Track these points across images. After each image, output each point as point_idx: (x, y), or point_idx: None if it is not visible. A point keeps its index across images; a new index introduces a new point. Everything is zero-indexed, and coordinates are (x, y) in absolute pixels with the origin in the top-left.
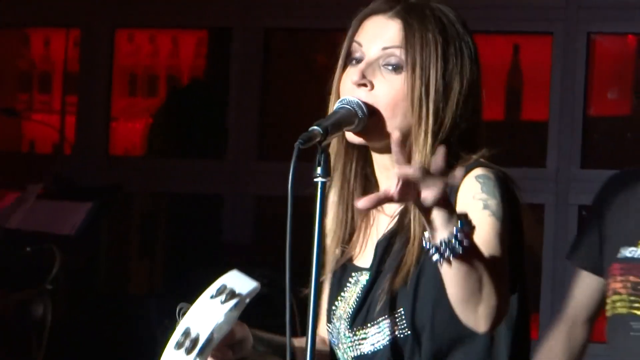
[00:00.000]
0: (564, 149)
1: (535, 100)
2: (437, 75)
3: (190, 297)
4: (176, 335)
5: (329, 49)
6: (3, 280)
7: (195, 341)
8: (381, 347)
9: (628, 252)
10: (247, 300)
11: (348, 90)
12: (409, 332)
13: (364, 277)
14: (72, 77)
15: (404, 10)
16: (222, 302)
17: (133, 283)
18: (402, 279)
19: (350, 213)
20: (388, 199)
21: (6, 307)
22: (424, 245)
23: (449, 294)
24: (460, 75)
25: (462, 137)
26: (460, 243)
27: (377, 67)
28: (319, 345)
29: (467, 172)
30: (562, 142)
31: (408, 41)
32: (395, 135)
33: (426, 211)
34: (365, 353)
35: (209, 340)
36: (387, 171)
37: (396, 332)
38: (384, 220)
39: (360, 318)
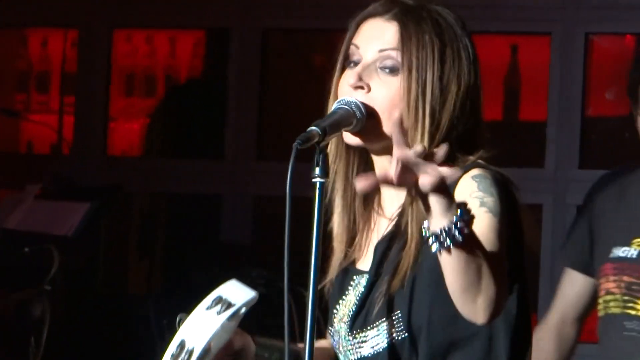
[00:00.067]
0: (562, 149)
1: (533, 100)
2: (433, 77)
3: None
4: (172, 348)
5: (327, 49)
6: (1, 280)
7: (190, 353)
8: (381, 349)
9: (621, 251)
10: (244, 310)
11: (345, 93)
12: (406, 334)
13: (363, 280)
14: (70, 78)
15: (401, 13)
16: (218, 313)
17: (132, 283)
18: (399, 281)
19: (352, 216)
20: (387, 181)
21: (5, 307)
22: (423, 234)
23: (448, 284)
24: (458, 77)
25: (459, 138)
26: (460, 231)
27: (374, 69)
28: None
29: (463, 172)
30: (560, 143)
31: (404, 43)
32: (395, 116)
33: (425, 198)
34: (365, 356)
35: (205, 351)
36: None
37: (394, 335)
38: (384, 223)
39: (359, 321)
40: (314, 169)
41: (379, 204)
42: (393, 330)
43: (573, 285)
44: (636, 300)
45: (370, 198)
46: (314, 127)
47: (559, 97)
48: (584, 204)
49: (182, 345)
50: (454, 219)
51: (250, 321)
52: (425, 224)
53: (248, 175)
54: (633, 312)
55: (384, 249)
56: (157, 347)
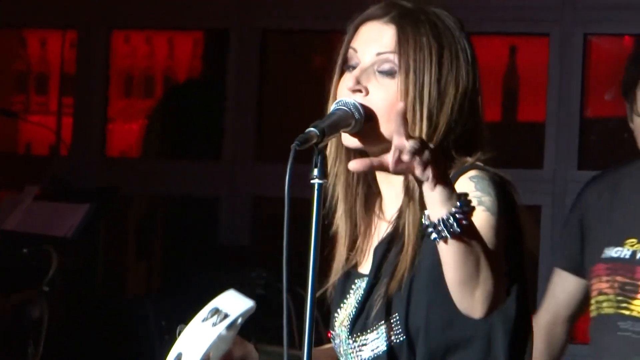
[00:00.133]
0: (561, 150)
1: (532, 101)
2: (431, 80)
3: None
4: None
5: (326, 50)
6: (0, 281)
7: None
8: (380, 352)
9: (614, 252)
10: (241, 320)
11: (344, 96)
12: (404, 337)
13: (364, 284)
14: (69, 79)
15: (399, 16)
16: (214, 325)
17: (130, 284)
18: (396, 283)
19: (353, 220)
20: (383, 167)
21: (3, 308)
22: (422, 223)
23: (446, 276)
24: (456, 79)
25: (458, 140)
26: (459, 222)
27: (371, 72)
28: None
29: (461, 174)
30: (559, 144)
31: (401, 46)
32: (400, 106)
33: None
34: (366, 359)
35: None
36: (387, 176)
37: (392, 338)
38: (384, 226)
39: (359, 324)
40: (312, 170)
41: (380, 208)
42: (391, 333)
43: (563, 286)
44: (630, 301)
45: (372, 202)
46: (312, 128)
47: (557, 98)
48: (574, 206)
49: (178, 358)
50: (453, 210)
51: (250, 323)
52: (426, 213)
53: (247, 177)
54: (627, 313)
55: (383, 252)
56: (155, 348)
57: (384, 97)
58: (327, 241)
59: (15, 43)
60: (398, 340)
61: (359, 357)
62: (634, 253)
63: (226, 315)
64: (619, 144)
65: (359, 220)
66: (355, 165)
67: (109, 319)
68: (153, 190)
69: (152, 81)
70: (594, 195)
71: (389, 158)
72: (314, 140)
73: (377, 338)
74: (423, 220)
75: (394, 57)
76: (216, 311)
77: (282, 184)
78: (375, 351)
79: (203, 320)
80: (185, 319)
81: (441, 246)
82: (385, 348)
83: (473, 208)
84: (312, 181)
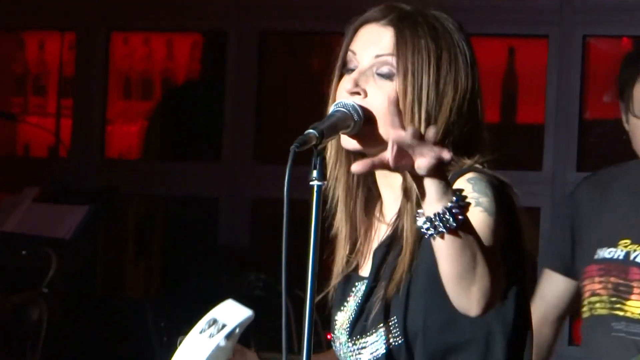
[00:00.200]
0: (560, 152)
1: (531, 103)
2: (429, 82)
3: (187, 300)
4: None
5: (325, 52)
6: None
7: None
8: (379, 355)
9: (607, 252)
10: (238, 330)
11: (343, 99)
12: (402, 340)
13: (364, 286)
14: (68, 80)
15: (397, 18)
16: (211, 336)
17: (129, 286)
18: (395, 286)
19: (354, 223)
20: (383, 165)
21: (2, 310)
22: (417, 219)
23: (441, 273)
24: (455, 82)
25: (456, 142)
26: (454, 217)
27: (370, 75)
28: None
29: (459, 176)
30: (558, 145)
31: (399, 48)
32: (391, 94)
33: (422, 182)
34: None
35: None
36: (387, 179)
37: (391, 341)
38: (384, 229)
39: (358, 327)
40: (311, 172)
41: (381, 211)
42: (390, 335)
43: (552, 287)
44: (624, 301)
45: (372, 205)
46: (311, 130)
47: (556, 99)
48: (565, 207)
49: None
50: (449, 205)
51: (249, 325)
52: (422, 207)
53: (246, 178)
54: (621, 313)
55: (383, 254)
56: (155, 350)
57: (383, 100)
58: (327, 243)
59: (14, 45)
60: (396, 343)
61: None
62: (627, 254)
63: (224, 326)
64: (618, 146)
65: (359, 223)
66: (357, 167)
67: (108, 320)
68: (152, 192)
69: (151, 83)
70: (585, 197)
71: (387, 154)
72: (313, 142)
73: (376, 341)
74: (417, 217)
75: (392, 60)
76: (214, 322)
77: (281, 185)
78: (375, 354)
79: (201, 332)
80: (185, 320)
81: (437, 242)
82: (384, 351)
83: (469, 204)
84: (311, 183)
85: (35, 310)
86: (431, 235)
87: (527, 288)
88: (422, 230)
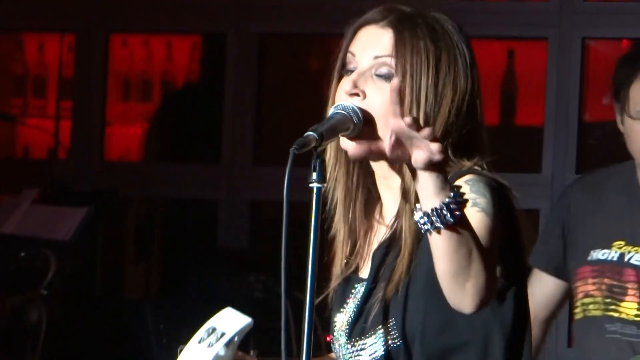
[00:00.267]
0: (559, 154)
1: (530, 105)
2: (428, 83)
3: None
4: None
5: (324, 54)
6: None
7: None
8: (378, 357)
9: (601, 254)
10: (237, 338)
11: (342, 100)
12: (400, 342)
13: (363, 288)
14: (67, 82)
15: (397, 20)
16: (210, 346)
17: (129, 288)
18: (393, 287)
19: (353, 224)
20: (380, 152)
21: (1, 312)
22: (415, 213)
23: (437, 269)
24: (454, 83)
25: (455, 144)
26: (452, 212)
27: (369, 76)
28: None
29: (458, 177)
30: (557, 148)
31: (398, 50)
32: (394, 82)
33: (419, 175)
34: None
35: None
36: (386, 180)
37: (389, 342)
38: (383, 231)
39: (357, 329)
40: (311, 174)
41: (380, 213)
42: (388, 337)
43: (542, 287)
44: (618, 303)
45: (372, 207)
46: (311, 132)
47: (555, 101)
48: (556, 208)
49: None
50: (447, 200)
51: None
52: (420, 201)
53: (245, 180)
54: (615, 315)
55: (382, 256)
56: (154, 351)
57: (382, 101)
58: (326, 245)
59: (13, 46)
60: (395, 345)
61: None
62: (622, 255)
63: (223, 334)
64: (617, 148)
65: (358, 224)
66: (353, 149)
67: (107, 321)
68: (151, 194)
69: (150, 84)
70: (579, 198)
71: (385, 142)
72: (313, 144)
73: (375, 342)
74: (415, 211)
75: (391, 61)
76: (213, 330)
77: (281, 187)
78: (373, 355)
79: (200, 341)
80: (184, 321)
81: (433, 237)
82: (383, 352)
83: (466, 200)
84: (310, 185)
85: (34, 312)
86: (427, 230)
87: (526, 290)
88: (418, 224)
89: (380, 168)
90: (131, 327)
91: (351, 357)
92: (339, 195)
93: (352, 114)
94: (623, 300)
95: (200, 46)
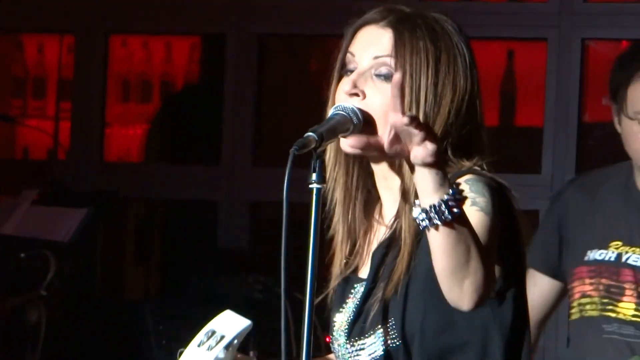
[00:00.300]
0: (559, 155)
1: (529, 106)
2: (427, 84)
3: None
4: None
5: (323, 55)
6: None
7: None
8: (377, 357)
9: (598, 254)
10: (237, 340)
11: (342, 101)
12: (400, 342)
13: (362, 288)
14: (66, 83)
15: (396, 20)
16: (209, 349)
17: (128, 289)
18: (393, 287)
19: (352, 225)
20: (378, 146)
21: (1, 312)
22: (413, 209)
23: (435, 266)
24: (453, 84)
25: (455, 144)
26: (450, 209)
27: (369, 76)
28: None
29: (457, 177)
30: (556, 148)
31: (398, 50)
32: (396, 77)
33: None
34: None
35: None
36: (386, 181)
37: (388, 342)
38: (383, 231)
39: (357, 329)
40: (311, 175)
41: (380, 214)
42: (387, 337)
43: (537, 288)
44: (616, 303)
45: (372, 207)
46: (310, 133)
47: (555, 102)
48: (552, 209)
49: None
50: (445, 197)
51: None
52: (416, 202)
53: (245, 181)
54: (613, 315)
55: (381, 256)
56: (153, 352)
57: (381, 101)
58: (326, 246)
59: (13, 48)
60: (394, 345)
61: None
62: (619, 255)
63: (222, 337)
64: (617, 149)
65: (357, 224)
66: (352, 142)
67: (107, 321)
68: (151, 195)
69: (150, 86)
70: (575, 198)
71: (384, 138)
72: (313, 145)
73: (374, 342)
74: (413, 207)
75: (391, 61)
76: (212, 333)
77: (280, 188)
78: (373, 355)
79: (199, 345)
80: (184, 322)
81: (432, 234)
82: (382, 352)
83: (465, 197)
84: (310, 186)
85: (33, 313)
86: (426, 226)
87: (525, 290)
88: (417, 221)
89: (380, 169)
90: (131, 327)
91: (350, 357)
92: (338, 195)
93: (351, 115)
94: (620, 301)
95: (200, 47)
